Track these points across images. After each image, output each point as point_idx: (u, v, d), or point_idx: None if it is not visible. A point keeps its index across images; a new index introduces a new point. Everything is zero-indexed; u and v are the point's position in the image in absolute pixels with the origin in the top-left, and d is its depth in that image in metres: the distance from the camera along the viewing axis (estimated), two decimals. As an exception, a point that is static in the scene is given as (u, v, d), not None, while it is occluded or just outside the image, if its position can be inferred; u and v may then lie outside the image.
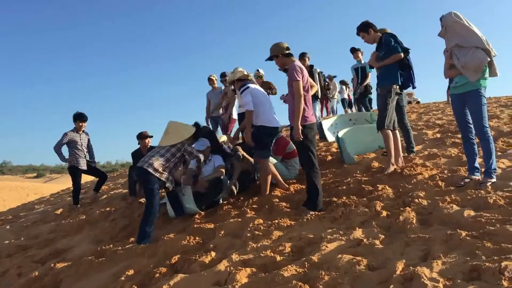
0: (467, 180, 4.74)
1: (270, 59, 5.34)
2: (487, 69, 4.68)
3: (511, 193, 4.17)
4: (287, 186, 5.99)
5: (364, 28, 5.92)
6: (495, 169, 4.66)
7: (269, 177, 5.84)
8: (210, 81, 9.86)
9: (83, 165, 7.90)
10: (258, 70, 8.87)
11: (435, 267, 2.88)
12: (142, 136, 7.75)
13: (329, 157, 7.37)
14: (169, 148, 5.38)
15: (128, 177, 7.95)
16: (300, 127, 4.88)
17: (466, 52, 4.60)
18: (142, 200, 7.04)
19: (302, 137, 4.88)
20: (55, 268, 4.83)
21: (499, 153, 5.81)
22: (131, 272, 4.08)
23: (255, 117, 5.60)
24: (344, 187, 5.45)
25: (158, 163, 5.19)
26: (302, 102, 4.89)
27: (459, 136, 5.42)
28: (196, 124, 5.99)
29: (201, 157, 5.66)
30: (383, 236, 3.71)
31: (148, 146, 7.71)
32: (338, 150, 7.13)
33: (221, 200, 6.02)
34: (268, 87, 8.56)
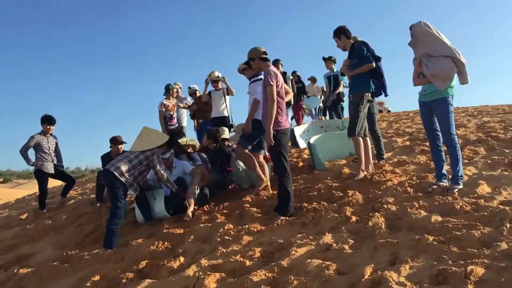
0: (435, 186, 4.81)
1: (247, 62, 5.36)
2: (455, 78, 4.77)
3: (477, 199, 4.26)
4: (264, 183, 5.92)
5: (337, 33, 5.98)
6: (461, 176, 4.76)
7: (257, 167, 5.81)
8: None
9: (50, 169, 7.69)
10: (213, 72, 8.80)
11: (402, 271, 2.91)
12: (116, 141, 7.55)
13: (301, 163, 7.39)
14: (139, 154, 5.29)
15: (96, 182, 7.77)
16: (272, 132, 4.88)
17: (436, 61, 4.68)
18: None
19: (273, 142, 4.88)
20: (18, 274, 4.67)
21: (466, 161, 5.94)
22: (97, 277, 3.98)
23: (258, 110, 5.62)
24: (315, 193, 5.47)
25: (125, 168, 5.09)
26: (275, 107, 4.88)
27: (428, 144, 5.51)
28: (171, 133, 5.96)
29: (164, 176, 5.50)
30: (352, 241, 3.73)
31: (120, 152, 7.56)
32: (310, 157, 7.16)
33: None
34: (206, 102, 8.67)
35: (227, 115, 8.91)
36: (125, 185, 5.07)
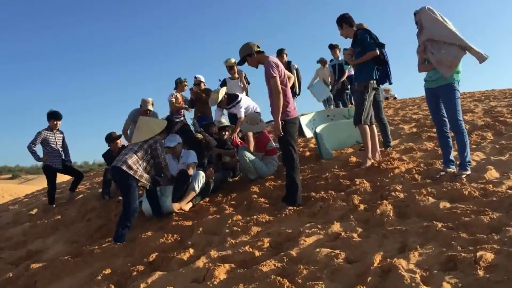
0: (442, 173, 4.80)
1: (243, 61, 5.21)
2: (460, 63, 4.72)
3: (485, 184, 4.25)
4: None
5: (339, 22, 5.94)
6: (469, 161, 4.73)
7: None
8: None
9: (58, 164, 7.74)
10: (229, 59, 8.62)
11: (412, 258, 2.91)
12: (111, 139, 7.64)
13: (308, 153, 7.38)
14: (142, 144, 5.29)
15: (103, 178, 7.80)
16: (280, 123, 4.85)
17: (440, 47, 4.64)
18: (120, 198, 6.95)
19: (282, 133, 4.86)
20: (30, 269, 4.71)
21: (473, 146, 5.91)
22: (108, 271, 4.01)
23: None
24: (322, 182, 5.46)
25: (131, 160, 5.10)
26: (281, 98, 4.84)
27: (435, 130, 5.48)
28: (168, 119, 5.92)
29: (163, 162, 5.52)
30: (360, 230, 3.74)
31: (120, 146, 7.63)
32: (316, 146, 7.14)
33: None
34: (207, 94, 8.50)
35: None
36: (136, 178, 5.08)
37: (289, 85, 5.34)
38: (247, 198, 5.51)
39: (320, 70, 11.94)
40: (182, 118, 9.05)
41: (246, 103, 7.73)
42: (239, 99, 7.54)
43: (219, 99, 7.27)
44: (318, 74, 11.94)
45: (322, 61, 12.03)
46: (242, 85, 8.62)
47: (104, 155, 7.75)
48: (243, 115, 7.36)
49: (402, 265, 2.79)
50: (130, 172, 5.03)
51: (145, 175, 5.23)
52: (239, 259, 3.59)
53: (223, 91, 7.39)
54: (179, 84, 8.91)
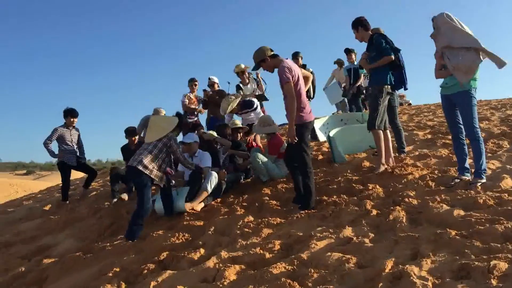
0: (457, 180, 4.74)
1: (257, 66, 5.19)
2: (478, 70, 4.67)
3: (500, 193, 4.18)
4: None
5: (354, 25, 5.90)
6: (485, 169, 4.67)
7: None
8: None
9: (72, 161, 7.83)
10: (239, 64, 8.66)
11: (424, 265, 2.88)
12: (129, 132, 7.72)
13: (320, 157, 7.35)
14: (156, 143, 5.33)
15: (110, 179, 7.83)
16: (294, 129, 4.81)
17: (457, 53, 4.58)
18: (123, 196, 7.02)
19: (296, 139, 4.83)
20: (41, 264, 4.77)
21: (489, 154, 5.83)
22: (118, 268, 4.03)
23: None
24: (335, 186, 5.44)
25: (147, 160, 5.14)
26: (295, 103, 4.79)
27: (450, 137, 5.42)
28: (178, 114, 5.91)
29: (182, 157, 5.61)
30: (372, 235, 3.71)
31: (136, 142, 7.69)
32: (329, 150, 7.12)
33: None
34: (220, 96, 8.51)
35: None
36: (151, 177, 5.12)
37: (307, 85, 5.30)
38: (259, 200, 5.50)
39: (336, 71, 11.77)
40: (195, 119, 9.09)
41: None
42: (254, 106, 7.63)
43: (228, 110, 7.30)
44: (334, 75, 11.82)
45: (339, 62, 11.81)
46: (254, 86, 8.62)
47: (122, 148, 7.89)
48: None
49: (414, 271, 2.76)
50: (145, 172, 5.07)
51: (160, 174, 5.26)
52: (250, 260, 3.58)
53: (234, 102, 7.41)
54: (188, 84, 9.00)
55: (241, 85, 8.69)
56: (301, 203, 4.94)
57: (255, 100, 7.92)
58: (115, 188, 7.40)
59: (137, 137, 7.77)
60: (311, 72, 9.47)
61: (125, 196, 7.08)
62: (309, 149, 5.04)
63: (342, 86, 11.34)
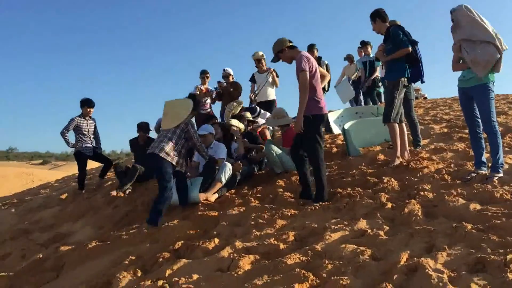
0: (473, 174, 4.70)
1: (276, 58, 5.20)
2: (497, 64, 4.61)
3: (517, 188, 4.14)
4: None
5: (372, 16, 5.86)
6: (502, 164, 4.62)
7: None
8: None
9: (89, 151, 7.92)
10: (257, 52, 8.65)
11: (439, 258, 2.86)
12: (143, 128, 7.88)
13: (335, 149, 7.33)
14: (175, 130, 5.36)
15: (115, 173, 7.94)
16: (302, 118, 4.82)
17: (476, 46, 4.53)
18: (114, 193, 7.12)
19: (302, 129, 4.83)
20: (58, 252, 4.85)
21: (507, 149, 5.77)
22: (134, 256, 4.08)
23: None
24: (349, 179, 5.42)
25: (168, 147, 5.18)
26: (307, 93, 4.79)
27: (467, 131, 5.37)
28: (191, 95, 5.82)
29: (199, 144, 5.64)
30: (387, 228, 3.69)
31: (145, 139, 7.86)
32: (344, 143, 7.09)
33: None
34: (235, 88, 8.58)
35: (273, 98, 8.77)
36: (172, 164, 5.16)
37: (323, 83, 5.30)
38: (273, 191, 5.52)
39: (347, 67, 11.78)
40: (208, 110, 9.11)
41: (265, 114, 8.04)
42: (257, 112, 7.95)
43: (229, 116, 7.35)
44: (345, 72, 11.77)
45: (349, 58, 11.82)
46: (271, 80, 8.63)
47: (131, 141, 8.02)
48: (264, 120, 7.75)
49: (429, 264, 2.75)
50: (167, 159, 5.12)
51: (181, 161, 5.32)
52: (264, 251, 3.60)
53: (236, 109, 7.50)
54: (200, 76, 9.03)
55: (255, 74, 8.80)
56: (308, 196, 4.97)
57: (257, 106, 8.21)
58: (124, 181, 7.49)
59: (147, 136, 7.91)
60: (326, 65, 9.48)
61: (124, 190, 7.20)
62: (322, 142, 5.03)
63: (351, 80, 11.30)
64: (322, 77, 5.26)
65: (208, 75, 9.07)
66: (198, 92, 8.78)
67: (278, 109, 6.98)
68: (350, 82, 11.15)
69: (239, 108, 7.74)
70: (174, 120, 5.40)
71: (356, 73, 11.07)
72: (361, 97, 11.29)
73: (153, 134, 8.06)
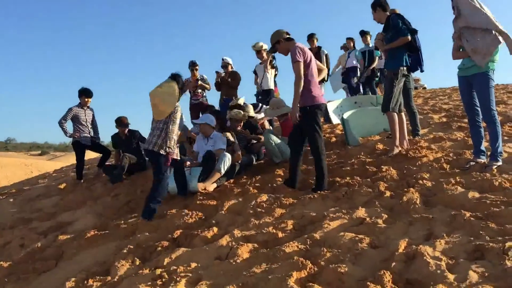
0: (472, 163, 4.69)
1: (273, 49, 5.26)
2: (497, 52, 4.59)
3: (516, 176, 4.13)
4: None
5: (373, 5, 5.83)
6: (501, 152, 4.62)
7: None
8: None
9: (87, 141, 7.90)
10: (257, 43, 8.62)
11: (438, 246, 2.87)
12: (121, 123, 7.91)
13: (334, 139, 7.33)
14: (166, 120, 5.18)
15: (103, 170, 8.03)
16: (297, 108, 4.87)
17: (476, 34, 4.50)
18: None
19: (298, 119, 4.87)
20: (58, 241, 4.84)
21: (506, 138, 5.75)
22: (132, 245, 4.08)
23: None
24: (348, 168, 5.42)
25: (160, 139, 5.11)
26: (301, 83, 4.82)
27: (466, 120, 5.36)
28: (173, 76, 5.34)
29: (173, 134, 5.18)
30: (386, 216, 3.70)
31: (126, 132, 7.93)
32: (343, 132, 7.09)
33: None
34: (233, 78, 8.61)
35: (271, 87, 8.77)
36: (166, 156, 5.12)
37: (321, 76, 5.29)
38: (272, 180, 5.52)
39: (342, 57, 11.82)
40: (200, 99, 9.03)
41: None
42: (259, 107, 8.10)
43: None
44: (340, 62, 11.82)
45: (345, 47, 11.85)
46: (269, 69, 8.63)
47: (113, 136, 8.08)
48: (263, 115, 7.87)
49: (428, 252, 2.76)
50: (161, 152, 5.07)
51: (176, 150, 5.25)
52: (262, 239, 3.61)
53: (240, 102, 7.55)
54: (189, 68, 8.98)
55: (256, 66, 8.89)
56: (291, 185, 5.02)
57: (259, 103, 8.41)
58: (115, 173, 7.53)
59: (127, 129, 7.95)
60: (326, 55, 9.46)
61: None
62: (321, 131, 5.04)
63: (342, 70, 11.45)
64: (319, 70, 5.28)
65: (197, 67, 8.92)
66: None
67: (275, 100, 6.98)
68: (342, 72, 11.29)
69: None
70: (166, 108, 5.18)
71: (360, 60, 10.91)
72: (353, 84, 11.20)
73: (133, 126, 8.15)
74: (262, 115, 7.91)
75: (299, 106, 4.96)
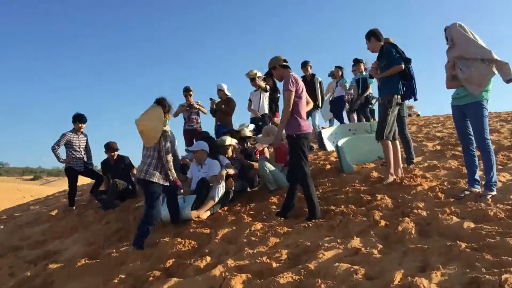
0: (467, 192, 4.69)
1: (269, 72, 5.43)
2: (491, 82, 4.63)
3: (511, 206, 4.12)
4: None
5: (368, 35, 5.92)
6: (495, 182, 4.62)
7: None
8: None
9: (80, 167, 7.84)
10: (251, 70, 8.83)
11: (433, 278, 2.83)
12: (109, 148, 7.89)
13: (328, 166, 7.31)
14: (154, 146, 5.16)
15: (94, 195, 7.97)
16: (281, 134, 5.11)
17: (470, 64, 4.55)
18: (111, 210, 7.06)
19: (282, 143, 5.14)
20: (47, 269, 4.75)
21: (500, 167, 5.77)
22: (124, 275, 4.01)
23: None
24: (343, 196, 5.39)
25: (152, 167, 5.08)
26: (289, 112, 4.95)
27: (460, 148, 5.38)
28: (157, 100, 5.30)
29: (167, 158, 5.19)
30: (381, 246, 3.66)
31: (115, 157, 7.90)
32: (337, 159, 7.08)
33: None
34: (227, 105, 8.80)
35: (265, 112, 8.91)
36: (160, 184, 5.08)
37: (307, 108, 5.34)
38: (266, 208, 5.47)
39: (330, 84, 11.91)
40: (195, 126, 9.02)
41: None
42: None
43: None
44: (328, 88, 11.87)
45: (333, 74, 11.76)
46: (262, 96, 8.79)
47: (102, 163, 8.08)
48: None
49: (424, 284, 2.72)
50: (153, 180, 5.04)
51: (168, 177, 5.19)
52: (256, 269, 3.55)
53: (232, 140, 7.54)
54: (183, 94, 9.02)
55: (251, 93, 9.06)
56: (283, 215, 5.02)
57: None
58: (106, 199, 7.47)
59: (116, 153, 7.93)
60: (320, 82, 9.53)
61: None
62: (307, 160, 5.07)
63: (331, 98, 11.51)
64: (307, 102, 5.36)
65: (191, 92, 8.97)
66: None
67: (268, 127, 7.02)
68: (330, 99, 11.44)
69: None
70: (154, 133, 5.14)
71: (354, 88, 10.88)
72: (345, 113, 11.26)
73: (123, 152, 8.15)
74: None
75: (286, 133, 5.05)
